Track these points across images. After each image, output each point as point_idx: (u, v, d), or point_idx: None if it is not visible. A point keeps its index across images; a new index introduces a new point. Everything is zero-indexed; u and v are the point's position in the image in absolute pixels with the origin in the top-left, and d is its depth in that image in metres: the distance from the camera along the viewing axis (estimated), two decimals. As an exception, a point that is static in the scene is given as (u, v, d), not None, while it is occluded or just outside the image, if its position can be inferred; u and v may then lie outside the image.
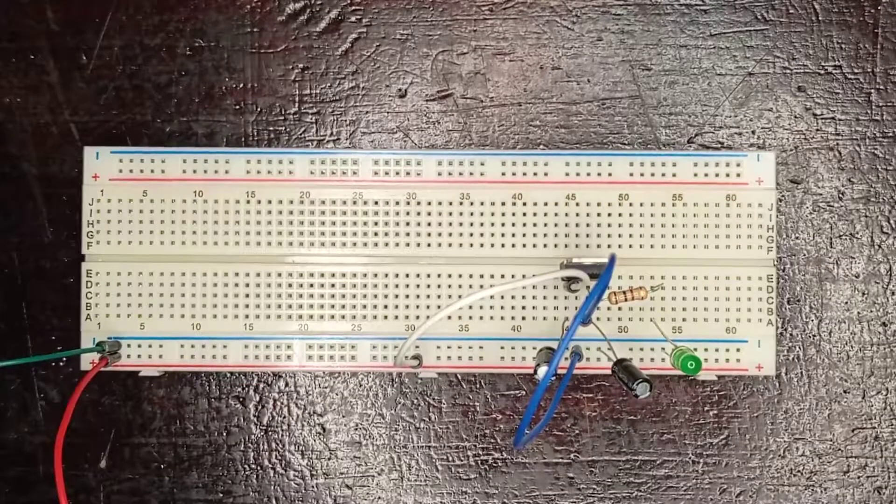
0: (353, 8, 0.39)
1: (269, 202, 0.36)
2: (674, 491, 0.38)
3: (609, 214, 0.36)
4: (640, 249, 0.36)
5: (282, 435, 0.38)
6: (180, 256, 0.36)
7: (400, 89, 0.38)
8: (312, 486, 0.39)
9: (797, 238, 0.38)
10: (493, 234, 0.36)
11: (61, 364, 0.38)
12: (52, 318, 0.38)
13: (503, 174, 0.36)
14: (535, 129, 0.38)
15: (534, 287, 0.36)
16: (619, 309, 0.36)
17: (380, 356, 0.36)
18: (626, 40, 0.38)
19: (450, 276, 0.36)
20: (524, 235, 0.36)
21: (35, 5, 0.38)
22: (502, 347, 0.36)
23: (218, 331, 0.36)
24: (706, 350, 0.36)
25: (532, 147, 0.38)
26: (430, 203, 0.36)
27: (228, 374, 0.38)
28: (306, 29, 0.39)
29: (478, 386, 0.38)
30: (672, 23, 0.38)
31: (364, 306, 0.36)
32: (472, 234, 0.36)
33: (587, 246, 0.36)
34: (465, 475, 0.38)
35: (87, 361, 0.36)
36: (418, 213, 0.36)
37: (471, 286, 0.36)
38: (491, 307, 0.36)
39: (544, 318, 0.36)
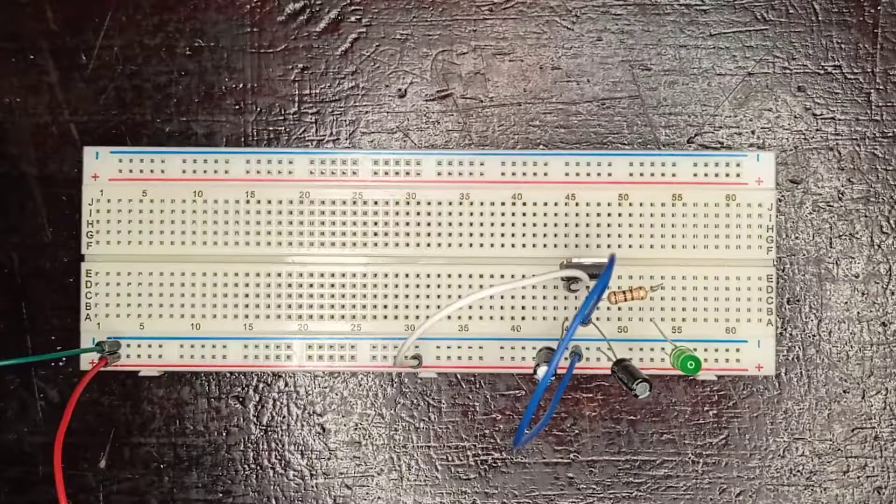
0: (353, 8, 0.39)
1: (269, 202, 0.36)
2: (673, 491, 0.38)
3: (609, 214, 0.36)
4: (640, 249, 0.36)
5: (281, 435, 0.38)
6: (180, 256, 0.36)
7: (400, 89, 0.38)
8: (312, 486, 0.39)
9: (797, 238, 0.38)
10: (492, 234, 0.36)
11: (61, 364, 0.38)
12: (51, 318, 0.38)
13: (503, 174, 0.36)
14: (535, 129, 0.38)
15: (534, 287, 0.36)
16: (619, 309, 0.36)
17: (379, 356, 0.36)
18: (626, 40, 0.38)
19: (450, 276, 0.36)
20: (524, 235, 0.36)
21: (35, 5, 0.38)
22: (502, 347, 0.36)
23: (217, 331, 0.36)
24: (706, 350, 0.36)
25: (532, 147, 0.38)
26: (429, 203, 0.36)
27: (228, 374, 0.38)
28: (306, 29, 0.39)
29: (477, 386, 0.38)
30: (672, 23, 0.38)
31: (364, 306, 0.36)
32: (471, 234, 0.36)
33: (587, 246, 0.36)
34: (465, 475, 0.38)
35: (87, 361, 0.36)
36: (418, 213, 0.36)
37: (471, 286, 0.36)
38: (491, 307, 0.36)
39: (544, 318, 0.36)
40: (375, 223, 0.36)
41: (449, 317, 0.34)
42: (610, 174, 0.36)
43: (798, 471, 0.38)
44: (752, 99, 0.38)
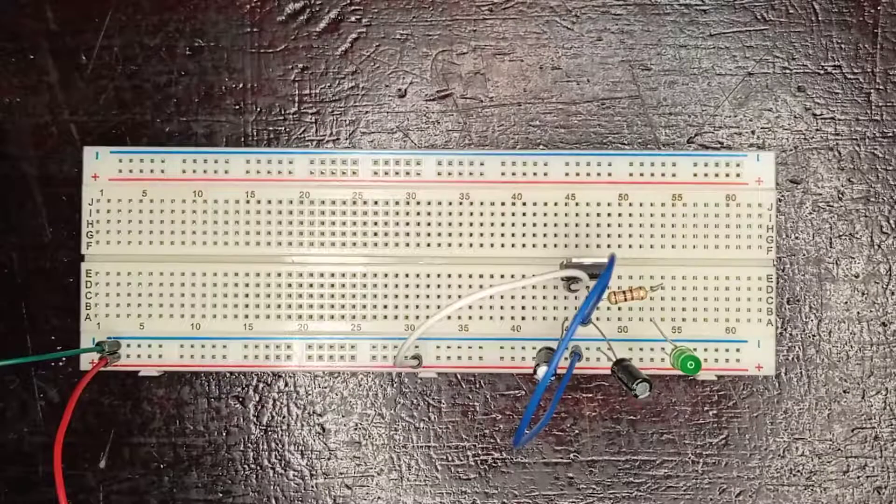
0: (353, 8, 0.39)
1: (269, 202, 0.36)
2: (673, 491, 0.38)
3: (609, 214, 0.36)
4: (640, 249, 0.36)
5: (281, 435, 0.38)
6: (180, 256, 0.36)
7: (400, 89, 0.38)
8: (312, 486, 0.39)
9: (797, 238, 0.38)
10: (492, 234, 0.36)
11: (61, 364, 0.38)
12: (51, 318, 0.38)
13: (503, 174, 0.36)
14: (535, 129, 0.38)
15: (534, 287, 0.36)
16: (619, 309, 0.36)
17: (379, 356, 0.36)
18: (626, 40, 0.38)
19: (450, 276, 0.36)
20: (524, 235, 0.36)
21: (35, 5, 0.38)
22: (502, 347, 0.36)
23: (217, 331, 0.36)
24: (706, 350, 0.36)
25: (532, 147, 0.38)
26: (429, 203, 0.36)
27: (228, 374, 0.38)
28: (306, 29, 0.39)
29: (477, 386, 0.38)
30: (672, 23, 0.38)
31: (364, 306, 0.36)
32: (471, 234, 0.36)
33: (587, 246, 0.36)
34: (465, 475, 0.38)
35: (87, 361, 0.36)
36: (418, 213, 0.36)
37: (471, 286, 0.36)
38: (491, 307, 0.36)
39: (544, 318, 0.36)
40: (375, 223, 0.36)
41: (449, 317, 0.34)
42: (610, 174, 0.36)
43: (798, 471, 0.38)
44: (752, 99, 0.38)
